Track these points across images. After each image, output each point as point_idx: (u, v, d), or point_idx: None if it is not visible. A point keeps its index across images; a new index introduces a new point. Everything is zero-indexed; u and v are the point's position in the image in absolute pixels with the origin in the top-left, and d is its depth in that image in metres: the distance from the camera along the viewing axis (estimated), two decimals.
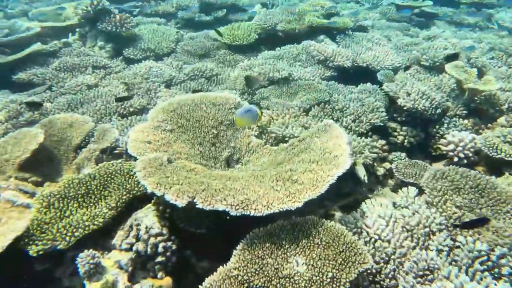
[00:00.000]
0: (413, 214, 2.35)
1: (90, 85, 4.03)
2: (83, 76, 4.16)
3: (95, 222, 2.20)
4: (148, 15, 6.47)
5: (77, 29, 4.89)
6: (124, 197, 2.40)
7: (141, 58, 4.82)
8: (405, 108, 3.50)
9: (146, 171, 2.16)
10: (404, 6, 6.65)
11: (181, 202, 1.92)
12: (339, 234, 2.01)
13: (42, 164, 2.91)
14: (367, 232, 2.32)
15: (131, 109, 3.62)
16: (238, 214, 1.89)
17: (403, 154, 3.59)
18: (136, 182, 2.49)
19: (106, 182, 2.48)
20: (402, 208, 2.47)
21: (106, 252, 2.22)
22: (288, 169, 2.30)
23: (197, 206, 1.93)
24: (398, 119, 3.83)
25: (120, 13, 4.82)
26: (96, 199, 2.42)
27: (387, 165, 3.49)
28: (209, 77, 4.40)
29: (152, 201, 2.34)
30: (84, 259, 1.98)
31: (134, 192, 2.43)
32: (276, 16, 5.13)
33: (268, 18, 5.06)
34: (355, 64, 4.36)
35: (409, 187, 2.62)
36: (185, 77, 4.33)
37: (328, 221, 2.11)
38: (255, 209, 1.91)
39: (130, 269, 2.08)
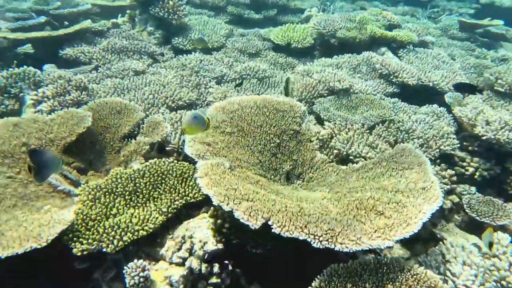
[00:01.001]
0: (510, 267, 2.00)
1: (138, 71, 3.80)
2: (131, 60, 3.94)
3: (146, 228, 1.94)
4: (197, 5, 6.25)
5: (128, 11, 4.69)
6: (177, 202, 2.13)
7: (190, 49, 4.59)
8: (484, 138, 3.14)
9: (210, 178, 1.88)
10: (470, 24, 6.23)
11: (254, 223, 1.63)
12: (433, 286, 1.68)
13: (86, 150, 2.68)
14: (453, 282, 1.98)
15: (180, 102, 3.37)
16: (321, 247, 1.59)
17: (473, 188, 3.23)
18: (190, 187, 2.22)
19: (156, 182, 2.22)
20: (493, 257, 2.12)
21: (153, 263, 1.95)
22: (369, 196, 1.99)
23: (272, 230, 1.63)
24: (469, 148, 3.46)
25: None
26: (144, 199, 2.16)
27: (454, 198, 3.14)
28: (261, 79, 4.13)
29: (209, 212, 2.06)
30: (133, 270, 1.72)
31: (188, 198, 2.16)
32: (336, 22, 4.82)
33: (327, 23, 4.76)
34: (420, 83, 4.01)
35: (499, 232, 2.27)
36: (236, 75, 4.07)
37: (417, 265, 1.79)
38: (341, 243, 1.60)
39: (181, 287, 1.80)
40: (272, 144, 2.58)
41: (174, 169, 2.29)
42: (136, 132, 2.84)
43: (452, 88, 3.82)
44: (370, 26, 4.70)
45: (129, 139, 2.75)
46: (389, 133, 3.24)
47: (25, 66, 3.24)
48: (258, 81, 4.10)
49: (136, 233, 1.90)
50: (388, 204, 1.91)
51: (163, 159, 2.31)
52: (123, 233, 1.87)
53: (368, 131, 3.18)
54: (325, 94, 3.67)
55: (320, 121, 3.37)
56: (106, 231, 1.88)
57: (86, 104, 3.07)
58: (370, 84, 3.91)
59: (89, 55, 3.88)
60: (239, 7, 6.22)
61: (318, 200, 1.98)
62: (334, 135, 3.08)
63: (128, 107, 2.87)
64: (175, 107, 3.38)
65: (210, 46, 4.72)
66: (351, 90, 3.75)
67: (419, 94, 4.05)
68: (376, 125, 3.27)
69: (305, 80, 3.77)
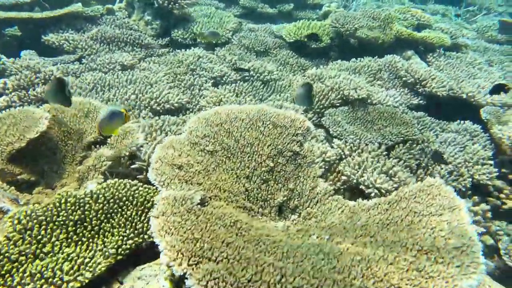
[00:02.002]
0: None
1: (126, 66, 3.35)
2: (119, 53, 3.49)
3: (80, 278, 1.47)
4: None
5: None
6: (130, 241, 1.66)
7: (190, 43, 4.11)
8: None
9: (166, 221, 1.40)
10: None
11: None
12: None
13: (41, 158, 2.24)
14: None
15: (167, 106, 2.90)
16: None
17: (511, 227, 2.66)
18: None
19: (111, 211, 1.76)
20: None
21: None
22: (380, 257, 1.47)
23: None
24: (510, 176, 2.88)
25: None
26: (92, 233, 1.70)
27: (486, 239, 2.58)
28: (267, 81, 3.61)
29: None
30: None
31: (146, 237, 1.69)
32: (357, 20, 4.23)
33: (347, 21, 4.18)
34: (452, 93, 3.41)
35: None
36: (238, 76, 3.56)
37: None
38: None
39: None
40: (264, 168, 2.07)
41: (136, 195, 1.82)
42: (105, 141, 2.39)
43: (489, 93, 3.22)
44: (395, 25, 4.10)
45: (97, 147, 2.30)
46: (411, 156, 2.68)
47: None
48: (263, 84, 3.58)
49: (64, 285, 1.44)
50: (408, 272, 1.38)
51: (125, 181, 1.84)
52: (45, 287, 1.41)
53: (385, 152, 2.63)
54: (338, 104, 3.13)
55: (329, 137, 2.84)
56: (23, 281, 1.42)
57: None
58: (391, 94, 3.34)
59: (73, 44, 3.45)
60: (252, 0, 5.70)
61: (311, 258, 1.46)
62: (343, 156, 2.55)
63: (98, 110, 2.41)
64: (161, 111, 2.91)
65: (214, 42, 4.22)
66: (369, 101, 3.19)
67: (450, 108, 3.46)
68: (396, 146, 2.72)
69: (315, 86, 3.23)
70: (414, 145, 2.75)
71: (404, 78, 3.46)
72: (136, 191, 1.83)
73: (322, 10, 5.39)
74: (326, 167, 2.48)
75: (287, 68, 4.12)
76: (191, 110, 3.08)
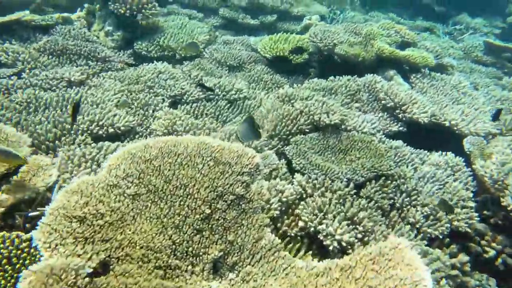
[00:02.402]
0: None
1: (73, 82, 3.01)
2: (69, 67, 3.15)
3: None
4: (185, 5, 5.46)
5: (86, 5, 3.91)
6: None
7: (155, 56, 3.79)
8: None
9: None
10: (498, 46, 5.24)
11: None
12: None
13: None
14: None
15: (111, 130, 2.55)
16: None
17: (493, 281, 2.32)
18: None
19: None
20: None
21: None
22: None
23: None
24: (491, 220, 2.56)
25: None
26: None
27: None
28: (233, 101, 3.28)
29: None
30: None
31: None
32: (337, 35, 3.93)
33: (325, 35, 3.87)
34: (434, 120, 3.09)
35: None
36: (201, 94, 3.22)
37: None
38: None
39: None
40: (198, 216, 1.72)
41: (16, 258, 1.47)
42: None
43: (491, 119, 2.93)
44: (377, 42, 3.80)
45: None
46: (384, 195, 2.34)
47: None
48: (229, 104, 3.25)
49: None
50: None
51: (10, 235, 1.49)
52: None
53: (355, 191, 2.29)
54: (307, 130, 2.79)
55: (291, 170, 2.50)
56: None
57: None
58: (369, 119, 3.01)
59: (13, 56, 3.11)
60: (233, 10, 5.40)
61: None
62: (304, 196, 2.20)
63: (12, 136, 2.06)
64: (104, 135, 2.56)
65: (182, 55, 3.90)
66: (343, 126, 2.86)
67: (432, 135, 3.13)
68: (368, 183, 2.38)
69: (283, 109, 2.90)
70: (389, 181, 2.41)
71: (383, 101, 3.14)
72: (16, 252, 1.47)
73: (303, 23, 5.10)
74: (283, 208, 2.13)
75: (260, 85, 3.80)
76: (141, 134, 2.74)
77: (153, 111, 2.93)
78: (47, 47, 3.28)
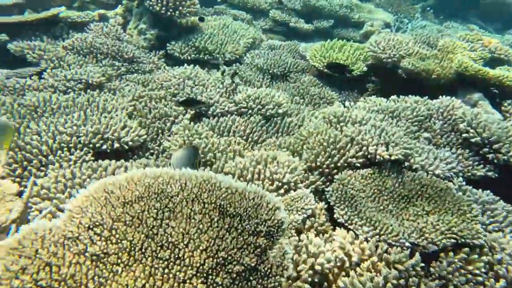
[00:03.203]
0: None
1: (91, 84, 2.65)
2: (91, 67, 2.81)
3: None
4: (234, 5, 5.04)
5: (124, 1, 3.60)
6: None
7: (189, 59, 3.35)
8: None
9: None
10: None
11: None
12: None
13: None
14: None
15: (116, 144, 2.12)
16: None
17: None
18: None
19: None
20: None
21: None
22: None
23: None
24: None
25: None
26: None
27: None
28: (270, 117, 2.72)
29: None
30: None
31: None
32: (405, 45, 3.20)
33: (390, 45, 3.17)
34: None
35: None
36: (232, 106, 2.71)
37: None
38: None
39: None
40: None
41: None
42: None
43: None
44: (458, 56, 3.01)
45: None
46: (469, 278, 1.62)
47: None
48: (264, 120, 2.69)
49: None
50: None
51: None
52: None
53: (422, 264, 1.60)
54: (358, 165, 2.15)
55: (333, 218, 1.88)
56: None
57: None
58: (443, 157, 2.28)
59: (37, 54, 2.84)
60: (285, 13, 4.87)
61: None
62: (348, 264, 1.57)
63: None
64: (108, 151, 2.13)
65: (220, 59, 3.43)
66: (407, 164, 2.17)
67: None
68: (442, 254, 1.68)
69: (329, 134, 2.28)
70: (475, 256, 1.69)
71: (465, 134, 2.38)
72: None
73: (363, 30, 4.39)
74: (316, 279, 1.52)
75: (305, 100, 3.20)
76: (152, 152, 2.28)
77: (171, 124, 2.47)
78: (75, 45, 2.98)
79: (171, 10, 3.27)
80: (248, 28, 3.93)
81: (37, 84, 2.62)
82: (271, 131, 2.66)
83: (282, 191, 2.01)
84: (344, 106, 2.76)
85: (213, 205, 1.35)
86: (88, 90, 2.62)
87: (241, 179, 2.05)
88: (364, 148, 2.14)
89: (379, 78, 3.39)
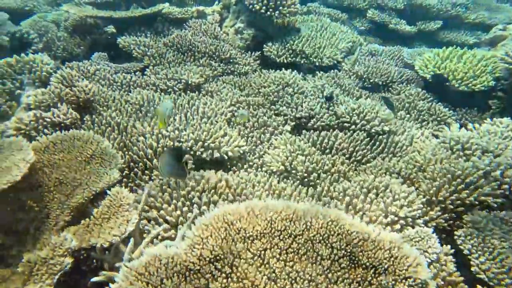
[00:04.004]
0: None
1: (190, 85, 2.62)
2: (190, 66, 2.79)
3: None
4: (329, 3, 4.75)
5: None
6: None
7: (285, 62, 3.19)
8: None
9: None
10: None
11: None
12: None
13: (23, 216, 1.62)
14: None
15: (216, 154, 2.04)
16: None
17: None
18: None
19: None
20: None
21: None
22: None
23: None
24: None
25: None
26: None
27: None
28: (374, 134, 2.44)
29: None
30: None
31: None
32: None
33: None
34: None
35: None
36: (334, 119, 2.48)
37: None
38: None
39: None
40: None
41: None
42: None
43: None
44: None
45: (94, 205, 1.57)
46: None
47: (40, 54, 2.40)
48: (368, 138, 2.43)
49: None
50: None
51: None
52: None
53: None
54: (495, 205, 1.80)
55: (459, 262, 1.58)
56: None
57: (77, 129, 2.04)
58: None
59: (142, 50, 2.89)
60: (384, 13, 4.46)
61: None
62: None
63: (105, 154, 1.69)
64: (208, 160, 2.06)
65: (317, 64, 3.22)
66: None
67: None
68: None
69: (453, 163, 1.95)
70: None
71: None
72: None
73: (491, 34, 3.81)
74: None
75: (412, 116, 2.85)
76: (251, 164, 2.16)
77: (270, 135, 2.32)
78: (175, 42, 2.99)
79: (271, 9, 3.12)
80: (347, 30, 3.64)
81: (140, 81, 2.66)
82: (376, 150, 2.39)
83: (397, 226, 1.75)
84: (466, 129, 2.38)
85: (343, 251, 1.16)
86: (188, 92, 2.60)
87: (350, 207, 1.84)
88: (506, 186, 1.78)
89: (508, 95, 2.88)
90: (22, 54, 2.35)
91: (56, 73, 2.23)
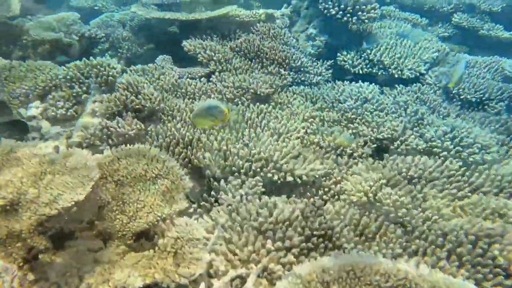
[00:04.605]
0: None
1: (259, 96, 2.42)
2: (258, 74, 2.59)
3: None
4: (407, 7, 4.32)
5: (293, 1, 3.30)
6: None
7: (361, 73, 2.88)
8: None
9: None
10: None
11: None
12: None
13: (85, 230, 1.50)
14: None
15: (289, 177, 1.80)
16: None
17: None
18: None
19: None
20: None
21: None
22: None
23: None
24: None
25: None
26: None
27: None
28: (473, 163, 2.06)
29: None
30: None
31: None
32: None
33: None
34: None
35: None
36: (422, 143, 2.14)
37: None
38: None
39: None
40: None
41: None
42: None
43: None
44: None
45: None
46: None
47: (107, 57, 2.33)
48: (464, 168, 2.05)
49: None
50: None
51: None
52: None
53: None
54: None
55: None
56: None
57: (141, 139, 1.91)
58: None
59: (208, 54, 2.73)
60: (475, 17, 3.95)
61: None
62: None
63: (171, 175, 1.52)
64: (278, 183, 1.83)
65: (396, 76, 2.87)
66: None
67: None
68: None
69: None
70: None
71: None
72: None
73: None
74: None
75: None
76: (326, 190, 1.89)
77: (348, 158, 2.04)
78: (243, 47, 2.81)
79: (348, 15, 2.83)
80: (431, 38, 3.23)
81: (206, 88, 2.50)
82: (474, 183, 2.00)
83: None
84: None
85: None
86: (257, 104, 2.38)
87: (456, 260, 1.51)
88: None
89: None
90: (91, 58, 2.28)
91: (122, 76, 2.13)
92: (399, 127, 2.21)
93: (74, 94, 2.18)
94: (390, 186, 1.83)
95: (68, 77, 2.19)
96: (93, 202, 1.50)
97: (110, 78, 2.18)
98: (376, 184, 1.81)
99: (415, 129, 2.28)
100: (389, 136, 2.17)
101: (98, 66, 2.21)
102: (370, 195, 1.77)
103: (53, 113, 2.10)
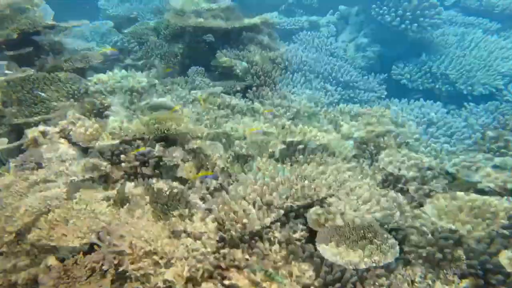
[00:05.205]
0: None
1: (298, 114, 2.08)
2: (301, 89, 2.25)
3: None
4: (470, 10, 3.80)
5: (342, 6, 2.94)
6: None
7: (421, 89, 2.45)
8: None
9: None
10: None
11: None
12: None
13: None
14: None
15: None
16: None
17: None
18: None
19: None
20: None
21: None
22: None
23: None
24: None
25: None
26: None
27: None
28: None
29: None
30: None
31: None
32: None
33: None
34: None
35: None
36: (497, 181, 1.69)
37: None
38: None
39: None
40: None
41: None
42: None
43: None
44: None
45: None
46: None
47: (133, 70, 2.09)
48: None
49: None
50: None
51: None
52: None
53: None
54: None
55: None
56: None
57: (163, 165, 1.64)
58: None
59: (244, 67, 2.43)
60: None
61: None
62: None
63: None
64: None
65: (465, 92, 2.41)
66: None
67: None
68: None
69: None
70: None
71: None
72: None
73: None
74: None
75: None
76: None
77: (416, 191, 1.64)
78: (284, 58, 2.49)
79: (407, 21, 2.42)
80: (508, 46, 2.72)
81: (241, 106, 2.20)
82: None
83: None
84: None
85: None
86: (295, 119, 2.05)
87: None
88: None
89: None
90: (115, 71, 2.07)
91: (150, 95, 1.89)
92: (479, 160, 1.77)
93: (95, 111, 1.97)
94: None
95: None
96: None
97: (134, 94, 1.94)
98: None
99: (496, 159, 1.84)
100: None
101: (122, 80, 1.98)
102: None
103: None
